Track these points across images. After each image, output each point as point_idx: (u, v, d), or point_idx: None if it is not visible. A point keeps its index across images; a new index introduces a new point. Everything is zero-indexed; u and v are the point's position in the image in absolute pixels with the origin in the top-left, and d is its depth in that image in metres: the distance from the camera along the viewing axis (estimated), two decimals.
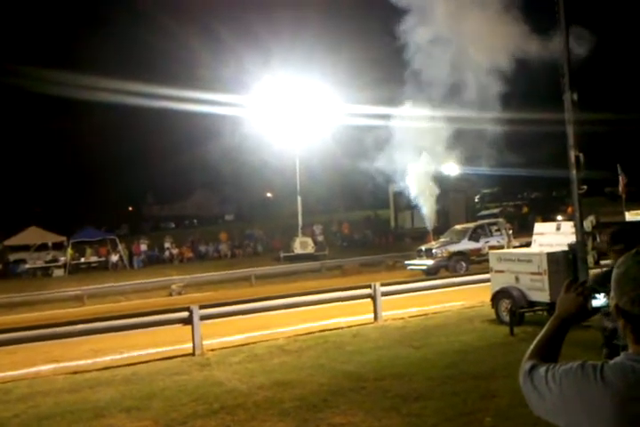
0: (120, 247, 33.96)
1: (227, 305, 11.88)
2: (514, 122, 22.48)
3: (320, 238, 35.26)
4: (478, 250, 21.72)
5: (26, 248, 34.36)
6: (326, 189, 38.99)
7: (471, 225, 23.53)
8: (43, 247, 34.36)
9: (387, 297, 12.51)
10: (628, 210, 13.33)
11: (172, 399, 7.67)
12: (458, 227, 24.05)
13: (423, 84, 22.32)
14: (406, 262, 22.75)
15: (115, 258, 33.31)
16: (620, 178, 14.12)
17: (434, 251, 21.84)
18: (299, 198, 33.24)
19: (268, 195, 57.74)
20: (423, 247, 22.54)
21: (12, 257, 33.78)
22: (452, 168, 30.64)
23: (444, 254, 21.67)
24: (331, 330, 11.45)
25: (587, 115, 12.26)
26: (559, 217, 25.45)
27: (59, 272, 31.68)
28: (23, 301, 20.39)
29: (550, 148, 20.44)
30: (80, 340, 10.46)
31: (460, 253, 21.78)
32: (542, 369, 1.70)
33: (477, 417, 6.09)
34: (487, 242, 21.97)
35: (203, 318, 10.74)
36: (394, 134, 24.42)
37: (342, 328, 11.56)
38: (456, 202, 35.04)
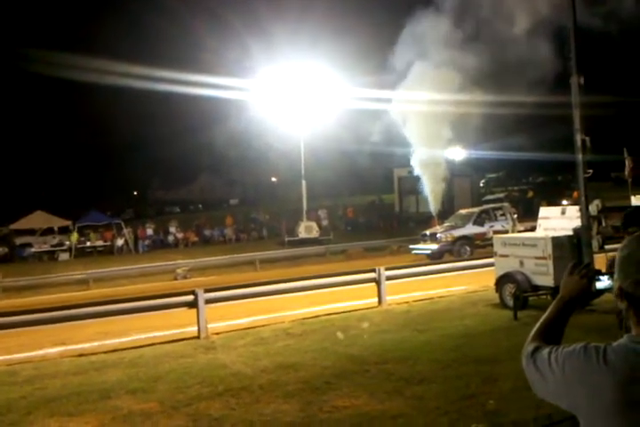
0: (125, 231, 34.08)
1: (232, 289, 11.94)
2: (520, 105, 22.26)
3: (325, 223, 35.31)
4: (483, 234, 21.65)
5: (31, 232, 34.52)
6: (331, 174, 38.92)
7: (476, 210, 23.47)
8: (48, 231, 34.52)
9: (391, 281, 12.54)
10: (634, 194, 13.25)
11: (177, 382, 7.74)
12: (463, 211, 23.99)
13: (429, 67, 22.16)
14: (411, 247, 22.76)
15: (120, 242, 33.45)
16: (627, 162, 14.02)
17: (438, 235, 21.79)
18: (303, 183, 33.20)
19: (273, 179, 57.69)
20: (428, 232, 22.52)
21: (18, 241, 33.96)
22: (458, 152, 30.53)
23: (449, 239, 21.62)
24: (335, 314, 11.50)
25: (594, 97, 12.16)
26: (564, 202, 25.39)
27: (64, 256, 31.86)
28: (29, 284, 20.53)
29: (557, 131, 20.27)
30: (86, 323, 10.54)
31: (465, 238, 21.71)
32: (545, 351, 1.71)
33: (480, 400, 6.12)
34: (492, 226, 21.92)
35: (208, 301, 10.80)
36: (399, 118, 24.30)
37: (347, 312, 11.60)
38: (461, 186, 34.99)
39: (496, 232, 21.49)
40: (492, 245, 21.18)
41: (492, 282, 11.45)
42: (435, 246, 21.47)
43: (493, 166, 43.38)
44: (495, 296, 11.21)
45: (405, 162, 26.39)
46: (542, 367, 1.69)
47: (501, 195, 39.81)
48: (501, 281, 11.16)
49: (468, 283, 13.38)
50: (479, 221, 22.25)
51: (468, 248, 21.40)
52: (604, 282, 1.95)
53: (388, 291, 12.33)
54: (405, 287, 12.91)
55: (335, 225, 36.30)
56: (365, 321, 10.74)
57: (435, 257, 20.58)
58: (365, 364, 7.93)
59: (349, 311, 11.67)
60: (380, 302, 12.20)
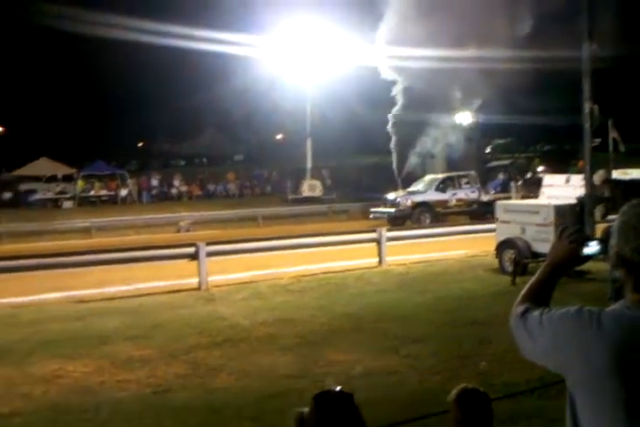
0: (129, 182, 34.08)
1: (233, 243, 12.03)
2: (532, 66, 21.57)
3: (329, 182, 35.20)
4: (445, 202, 21.06)
5: (36, 179, 34.54)
6: (337, 134, 38.61)
7: (440, 176, 22.62)
8: (53, 179, 34.54)
9: (392, 242, 12.60)
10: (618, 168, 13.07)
11: (176, 331, 7.88)
12: (429, 177, 23.07)
13: (439, 23, 21.57)
14: (371, 209, 22.06)
15: (124, 192, 33.48)
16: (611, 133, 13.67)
17: (397, 200, 21.00)
18: (308, 141, 32.97)
19: (279, 137, 57.28)
20: (389, 196, 21.72)
21: (23, 187, 34.00)
22: (465, 117, 30.14)
23: (408, 204, 20.78)
24: (334, 272, 11.60)
25: (606, 62, 11.91)
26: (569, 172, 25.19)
27: (68, 204, 31.94)
28: (33, 230, 20.64)
29: (567, 96, 19.90)
30: (87, 270, 10.66)
31: (425, 205, 20.89)
32: (536, 312, 1.70)
33: (473, 361, 6.24)
34: (455, 194, 21.26)
35: (209, 254, 10.89)
36: (406, 78, 23.76)
37: (346, 271, 11.69)
38: (466, 151, 34.69)
39: (459, 200, 21.31)
40: (454, 213, 21.11)
41: (491, 247, 11.50)
42: (392, 211, 20.68)
43: (501, 132, 42.91)
44: (494, 262, 11.27)
45: (412, 124, 26.05)
46: (532, 328, 1.68)
47: (506, 162, 39.55)
48: (501, 247, 11.21)
49: (468, 247, 13.42)
50: (442, 187, 21.41)
51: (427, 215, 20.61)
52: (592, 248, 1.95)
53: (388, 252, 12.40)
54: (406, 249, 12.97)
55: (339, 184, 36.21)
56: (363, 281, 10.84)
57: (395, 222, 19.77)
58: (362, 322, 8.05)
59: (349, 270, 11.75)
60: (380, 262, 12.28)
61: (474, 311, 8.28)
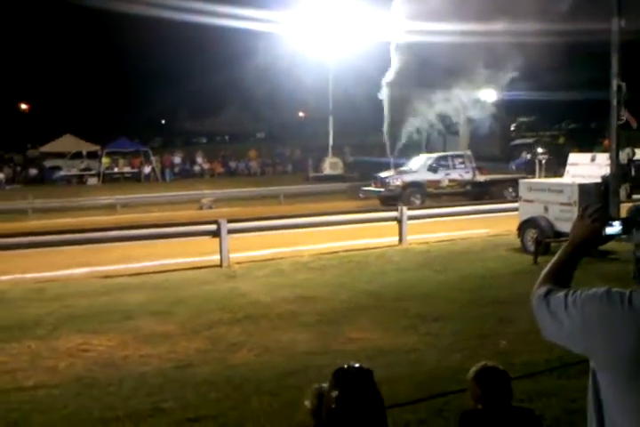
0: (153, 159, 34.28)
1: (254, 220, 12.08)
2: (560, 39, 20.92)
3: (350, 160, 35.03)
4: (437, 182, 20.42)
5: (61, 156, 34.91)
6: (360, 111, 38.31)
7: (434, 155, 21.99)
8: (77, 155, 34.87)
9: (413, 221, 12.56)
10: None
11: (198, 307, 7.98)
12: (422, 156, 22.46)
13: None
14: (362, 188, 21.61)
15: (147, 169, 33.72)
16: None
17: (387, 179, 20.38)
18: (330, 118, 32.77)
19: (301, 114, 57.03)
20: (381, 175, 21.14)
21: (48, 164, 34.41)
22: (490, 93, 29.62)
23: (398, 184, 20.13)
24: (355, 250, 11.61)
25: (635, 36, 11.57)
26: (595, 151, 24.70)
27: (92, 181, 32.27)
28: (58, 206, 20.92)
29: (593, 70, 19.35)
30: (112, 246, 10.82)
31: (416, 185, 20.22)
32: (561, 294, 1.68)
33: (493, 340, 6.23)
34: (448, 175, 20.59)
35: (230, 231, 10.96)
36: (430, 53, 23.25)
37: (366, 249, 11.70)
38: (491, 129, 34.20)
39: (452, 181, 20.55)
40: (447, 194, 20.65)
41: (514, 227, 11.40)
42: (382, 191, 20.16)
43: (526, 110, 42.16)
44: (517, 241, 11.19)
45: (435, 101, 25.63)
46: (557, 310, 1.67)
47: (531, 140, 38.99)
48: (524, 226, 11.11)
49: (490, 226, 13.33)
50: (434, 167, 20.70)
51: (419, 196, 19.98)
52: (615, 228, 1.89)
53: (409, 230, 12.36)
54: (427, 228, 12.92)
55: (361, 162, 36.03)
56: (384, 259, 10.84)
57: (387, 202, 19.28)
58: (382, 300, 8.07)
59: (369, 249, 11.76)
60: (400, 240, 12.26)
61: (495, 290, 8.25)
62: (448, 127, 27.64)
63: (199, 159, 36.18)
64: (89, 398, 5.15)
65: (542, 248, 10.19)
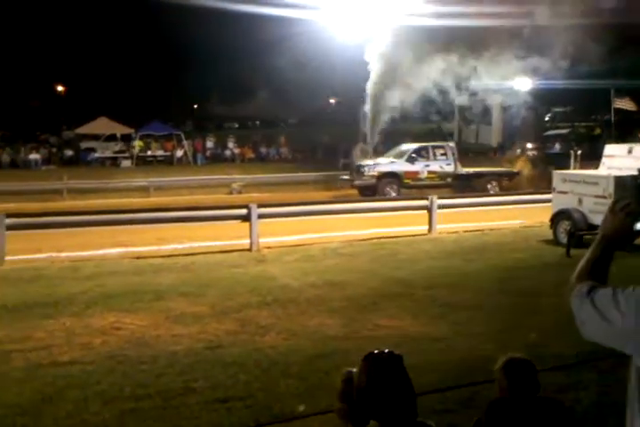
0: (185, 143, 34.57)
1: (284, 206, 12.16)
2: (600, 21, 20.22)
3: (380, 147, 34.82)
4: (415, 173, 19.66)
5: (96, 138, 35.40)
6: (392, 99, 38.03)
7: (415, 145, 21.28)
8: (111, 138, 35.33)
9: (442, 210, 12.48)
10: None
11: (227, 289, 8.08)
12: (404, 146, 21.75)
13: None
14: (340, 177, 21.22)
15: (179, 153, 34.02)
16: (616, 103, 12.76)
17: (363, 169, 19.67)
18: (364, 106, 32.52)
19: (332, 101, 56.83)
20: (358, 163, 20.52)
21: (83, 145, 34.94)
22: (524, 82, 29.06)
23: (373, 173, 19.40)
24: (384, 238, 11.60)
25: None
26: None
27: (126, 163, 32.66)
28: (92, 188, 21.29)
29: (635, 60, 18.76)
30: (145, 228, 11.00)
31: (392, 175, 19.44)
32: (607, 292, 1.63)
33: (522, 332, 6.18)
34: (427, 166, 19.83)
35: (260, 216, 11.04)
36: (465, 38, 22.80)
37: (395, 237, 11.67)
38: (525, 119, 33.66)
39: (431, 173, 19.78)
40: (427, 186, 19.67)
41: (547, 218, 11.27)
42: (358, 181, 19.51)
43: (562, 100, 41.27)
44: (549, 232, 11.06)
45: (468, 89, 25.24)
46: (605, 308, 1.61)
47: (565, 130, 38.26)
48: (557, 218, 10.98)
49: (522, 217, 13.18)
50: (413, 158, 19.94)
51: (395, 187, 19.22)
52: None
53: (439, 220, 12.29)
54: (457, 217, 12.83)
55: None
56: (414, 248, 10.82)
57: (365, 193, 18.79)
58: (411, 288, 8.07)
59: (398, 237, 11.73)
60: (430, 229, 12.21)
61: (526, 281, 8.18)
62: (482, 116, 27.24)
63: (230, 144, 36.35)
64: (121, 375, 5.27)
65: (575, 240, 10.06)
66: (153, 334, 6.35)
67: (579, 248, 9.84)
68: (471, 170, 20.49)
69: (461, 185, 19.73)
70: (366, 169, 19.60)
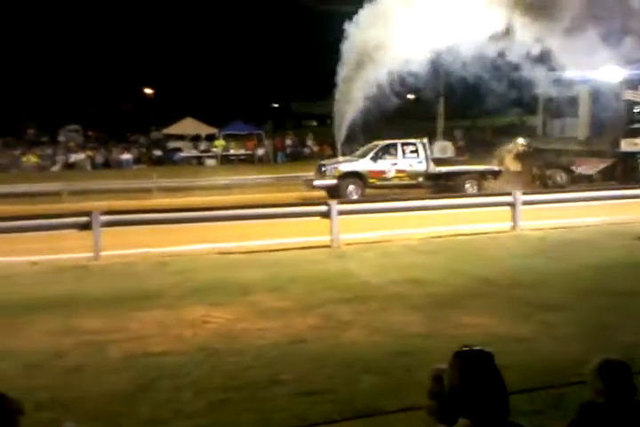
0: (265, 142, 35.26)
1: (364, 202, 12.22)
2: None
3: (461, 143, 34.26)
4: (381, 173, 18.39)
5: (181, 138, 36.70)
6: (470, 93, 37.27)
7: (383, 142, 19.60)
8: (196, 138, 36.52)
9: (527, 206, 12.14)
10: None
11: (310, 285, 8.21)
12: (376, 143, 20.00)
13: None
14: (304, 179, 20.06)
15: (260, 152, 34.73)
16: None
17: (325, 168, 18.73)
18: (441, 100, 32.10)
19: (409, 96, 56.37)
20: (324, 162, 19.78)
21: (170, 145, 36.31)
22: (614, 72, 27.67)
23: (335, 174, 18.38)
24: (465, 235, 11.42)
25: None
26: None
27: (211, 162, 33.70)
28: (180, 186, 22.12)
29: None
30: (229, 224, 11.32)
31: (355, 175, 18.40)
32: None
33: (614, 333, 5.96)
34: (395, 164, 18.51)
35: (340, 213, 11.13)
36: (547, 27, 21.93)
37: (476, 234, 11.47)
38: (615, 112, 32.14)
39: (400, 172, 18.51)
40: (394, 186, 18.37)
41: (639, 215, 10.77)
42: (321, 182, 18.46)
43: None
44: None
45: (552, 81, 24.29)
46: None
47: None
48: None
49: (612, 214, 12.60)
50: (378, 156, 18.70)
51: (357, 187, 18.19)
52: None
53: (523, 216, 11.97)
54: (542, 214, 12.44)
55: (472, 146, 35.15)
56: (496, 245, 10.61)
57: (332, 194, 17.32)
58: (495, 286, 7.92)
59: (479, 234, 11.51)
60: (514, 226, 11.91)
61: (617, 281, 7.86)
62: (568, 108, 26.16)
63: (309, 142, 36.76)
64: (211, 367, 5.47)
65: None
66: (240, 328, 6.56)
67: None
68: (445, 168, 19.21)
69: (435, 185, 18.71)
70: (328, 169, 18.70)
